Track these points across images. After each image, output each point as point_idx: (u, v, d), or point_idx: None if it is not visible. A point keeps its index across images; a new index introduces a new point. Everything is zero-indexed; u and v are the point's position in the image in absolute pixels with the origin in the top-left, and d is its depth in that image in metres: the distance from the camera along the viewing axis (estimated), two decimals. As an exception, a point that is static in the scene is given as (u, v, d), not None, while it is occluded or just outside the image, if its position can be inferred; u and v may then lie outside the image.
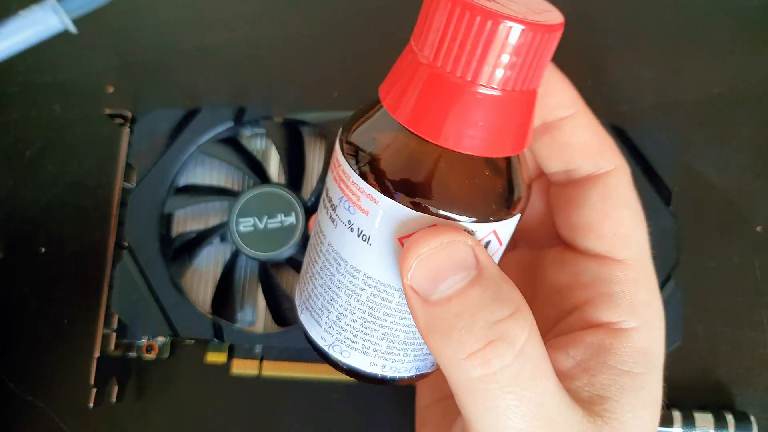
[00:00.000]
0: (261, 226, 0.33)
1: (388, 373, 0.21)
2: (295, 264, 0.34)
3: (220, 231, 0.35)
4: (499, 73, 0.16)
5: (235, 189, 0.36)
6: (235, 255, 0.35)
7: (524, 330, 0.17)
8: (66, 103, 0.43)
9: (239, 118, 0.35)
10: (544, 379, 0.18)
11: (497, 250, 0.19)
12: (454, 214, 0.17)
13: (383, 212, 0.17)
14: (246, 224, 0.33)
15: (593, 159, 0.21)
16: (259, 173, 0.35)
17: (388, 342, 0.20)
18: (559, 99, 0.21)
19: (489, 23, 0.15)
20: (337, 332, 0.21)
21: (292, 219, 0.33)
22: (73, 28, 0.32)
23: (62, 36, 0.44)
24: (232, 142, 0.36)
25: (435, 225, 0.17)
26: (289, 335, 0.33)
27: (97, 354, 0.34)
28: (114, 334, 0.35)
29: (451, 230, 0.17)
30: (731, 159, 0.38)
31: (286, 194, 0.34)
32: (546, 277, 0.23)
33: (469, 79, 0.16)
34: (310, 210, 0.34)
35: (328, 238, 0.20)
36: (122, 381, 0.37)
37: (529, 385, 0.17)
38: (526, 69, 0.16)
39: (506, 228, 0.19)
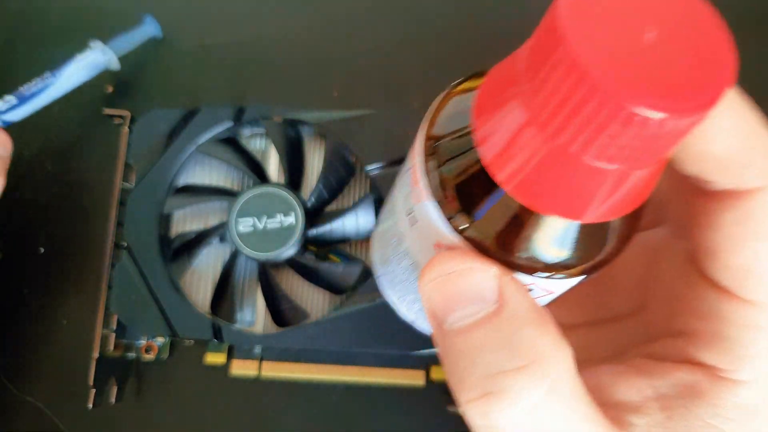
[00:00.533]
0: (260, 226, 0.33)
1: (419, 327, 0.22)
2: (294, 264, 0.34)
3: (219, 231, 0.35)
4: (627, 153, 0.13)
5: (235, 189, 0.36)
6: (235, 255, 0.35)
7: (537, 387, 0.15)
8: (65, 102, 0.42)
9: (239, 118, 0.35)
10: None
11: (543, 296, 0.17)
12: (493, 251, 0.15)
13: (427, 213, 0.16)
14: (245, 224, 0.33)
15: (734, 174, 0.16)
16: (259, 173, 0.35)
17: (419, 306, 0.20)
18: None
19: (627, 113, 0.12)
20: (383, 272, 0.22)
21: (291, 219, 0.33)
22: (117, 66, 0.39)
23: (62, 36, 0.44)
24: (231, 142, 0.36)
25: (463, 248, 0.16)
26: (289, 336, 0.33)
27: (96, 354, 0.34)
28: (113, 335, 0.35)
29: (474, 256, 0.15)
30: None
31: (286, 194, 0.33)
32: (668, 279, 0.19)
33: (586, 155, 0.13)
34: (309, 210, 0.34)
35: (396, 192, 0.20)
36: (121, 381, 0.36)
37: None
38: (661, 148, 0.13)
39: (556, 285, 0.16)
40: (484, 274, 0.15)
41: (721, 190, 0.17)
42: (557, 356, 0.15)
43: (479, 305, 0.15)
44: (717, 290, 0.17)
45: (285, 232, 0.33)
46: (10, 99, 0.37)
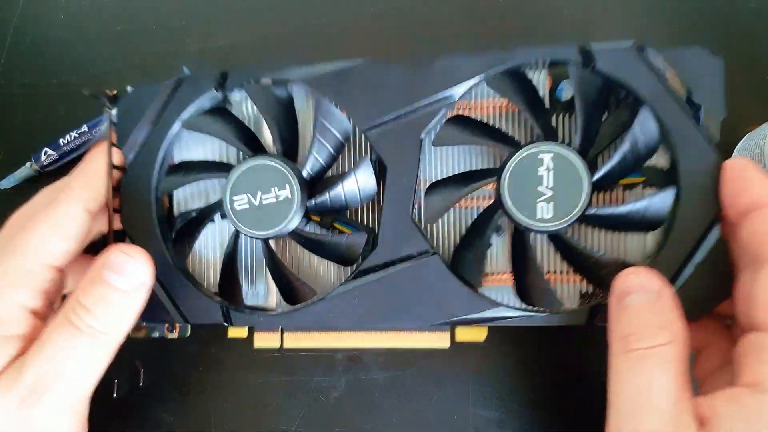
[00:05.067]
0: (256, 202, 0.31)
1: None
2: (298, 237, 0.32)
3: (220, 208, 0.33)
4: None
5: (232, 162, 0.34)
6: (236, 234, 0.33)
7: (663, 338, 0.25)
8: (70, 105, 0.42)
9: (222, 84, 0.33)
10: (661, 375, 0.24)
11: None
12: None
13: None
14: (240, 202, 0.31)
15: None
16: (253, 142, 0.33)
17: None
18: (758, 191, 0.26)
19: None
20: None
21: (287, 192, 0.31)
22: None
23: (67, 39, 0.43)
24: (220, 111, 0.33)
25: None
26: (299, 316, 0.32)
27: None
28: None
29: (652, 271, 0.27)
30: None
31: (278, 165, 0.31)
32: (736, 352, 0.26)
33: None
34: (306, 182, 0.31)
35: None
36: (146, 364, 0.37)
37: (645, 371, 0.24)
38: None
39: None
40: (654, 280, 0.26)
41: (763, 261, 0.25)
42: (680, 333, 0.25)
43: (645, 294, 0.26)
44: (762, 330, 0.25)
45: (282, 206, 0.31)
46: (52, 155, 0.39)
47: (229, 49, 0.41)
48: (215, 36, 0.41)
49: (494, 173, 0.30)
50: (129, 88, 0.37)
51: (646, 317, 0.25)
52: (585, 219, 0.29)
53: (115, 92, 0.33)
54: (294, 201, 0.31)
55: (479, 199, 0.32)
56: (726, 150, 0.36)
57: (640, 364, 0.25)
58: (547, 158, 0.29)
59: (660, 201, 0.28)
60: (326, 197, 0.31)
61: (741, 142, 0.36)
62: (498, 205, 0.29)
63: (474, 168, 0.32)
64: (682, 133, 0.28)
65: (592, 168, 0.29)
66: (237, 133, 0.33)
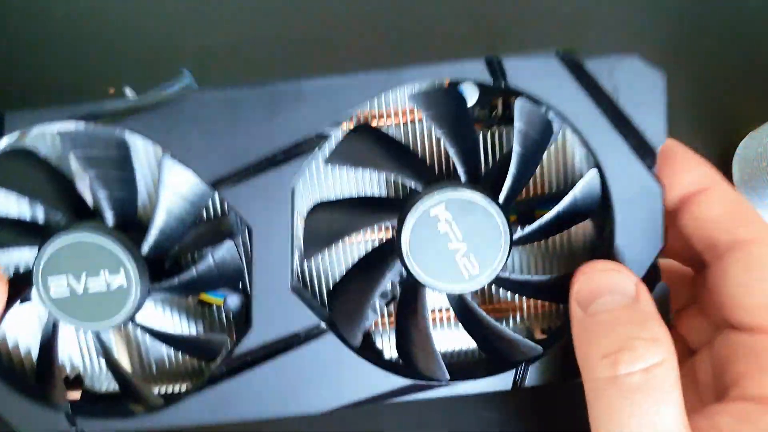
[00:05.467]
0: (80, 288, 0.23)
1: None
2: (143, 329, 0.24)
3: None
4: None
5: (51, 221, 0.25)
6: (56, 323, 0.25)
7: (657, 355, 0.20)
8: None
9: None
10: (665, 405, 0.20)
11: None
12: None
13: None
14: (59, 285, 0.23)
15: (729, 231, 0.22)
16: (74, 202, 0.24)
17: None
18: (694, 175, 0.23)
19: None
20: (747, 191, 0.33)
21: (120, 280, 0.23)
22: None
23: (63, 38, 0.39)
24: (24, 154, 0.25)
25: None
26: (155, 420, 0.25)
27: None
28: None
29: (620, 266, 0.22)
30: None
31: (107, 241, 0.23)
32: (715, 355, 0.24)
33: None
34: (151, 263, 0.23)
35: None
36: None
37: (648, 403, 0.20)
38: None
39: None
40: (627, 276, 0.22)
41: (725, 250, 0.22)
42: (671, 345, 0.21)
43: (620, 296, 0.21)
44: (747, 332, 0.22)
45: (115, 296, 0.23)
46: None
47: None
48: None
49: (395, 208, 0.24)
50: (128, 90, 0.28)
51: (628, 327, 0.20)
52: (516, 244, 0.24)
53: None
54: (131, 291, 0.23)
55: (380, 230, 0.26)
56: (728, 150, 0.37)
57: (636, 399, 0.20)
58: (439, 211, 0.23)
59: (586, 188, 0.24)
60: (175, 282, 0.23)
61: (743, 141, 0.36)
62: (414, 282, 0.24)
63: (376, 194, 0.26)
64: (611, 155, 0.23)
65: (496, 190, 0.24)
66: (50, 187, 0.24)
